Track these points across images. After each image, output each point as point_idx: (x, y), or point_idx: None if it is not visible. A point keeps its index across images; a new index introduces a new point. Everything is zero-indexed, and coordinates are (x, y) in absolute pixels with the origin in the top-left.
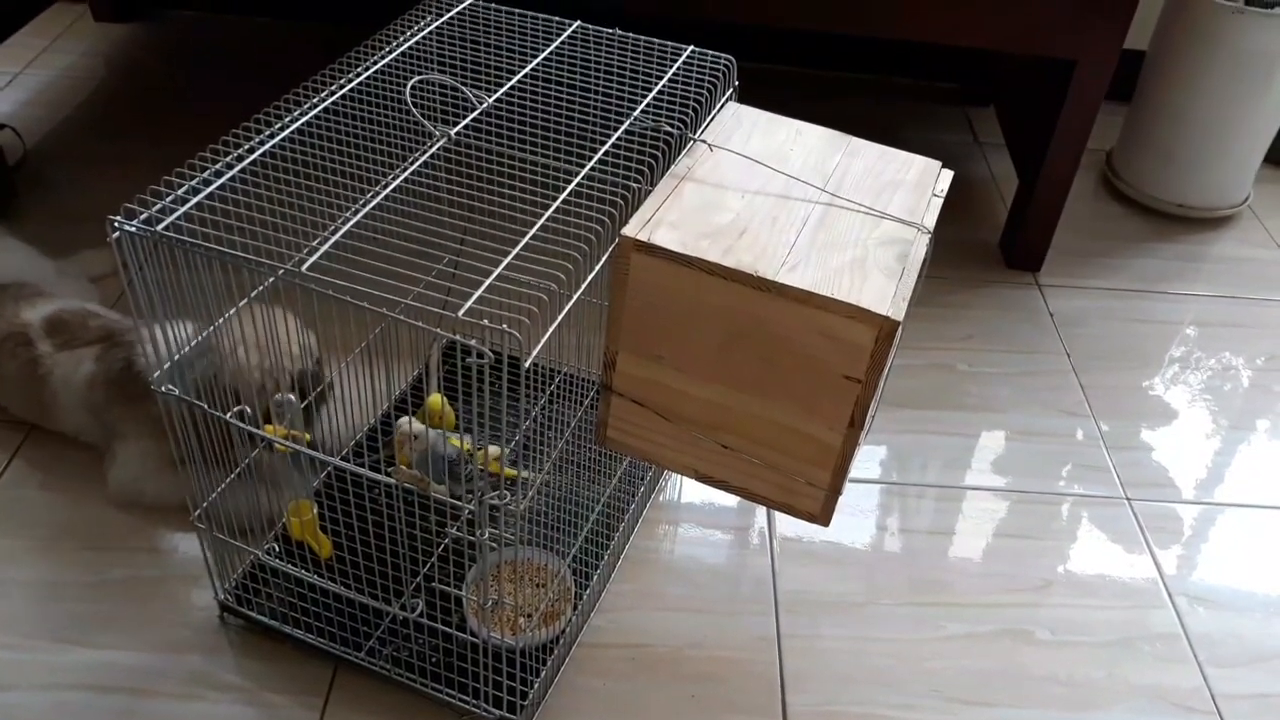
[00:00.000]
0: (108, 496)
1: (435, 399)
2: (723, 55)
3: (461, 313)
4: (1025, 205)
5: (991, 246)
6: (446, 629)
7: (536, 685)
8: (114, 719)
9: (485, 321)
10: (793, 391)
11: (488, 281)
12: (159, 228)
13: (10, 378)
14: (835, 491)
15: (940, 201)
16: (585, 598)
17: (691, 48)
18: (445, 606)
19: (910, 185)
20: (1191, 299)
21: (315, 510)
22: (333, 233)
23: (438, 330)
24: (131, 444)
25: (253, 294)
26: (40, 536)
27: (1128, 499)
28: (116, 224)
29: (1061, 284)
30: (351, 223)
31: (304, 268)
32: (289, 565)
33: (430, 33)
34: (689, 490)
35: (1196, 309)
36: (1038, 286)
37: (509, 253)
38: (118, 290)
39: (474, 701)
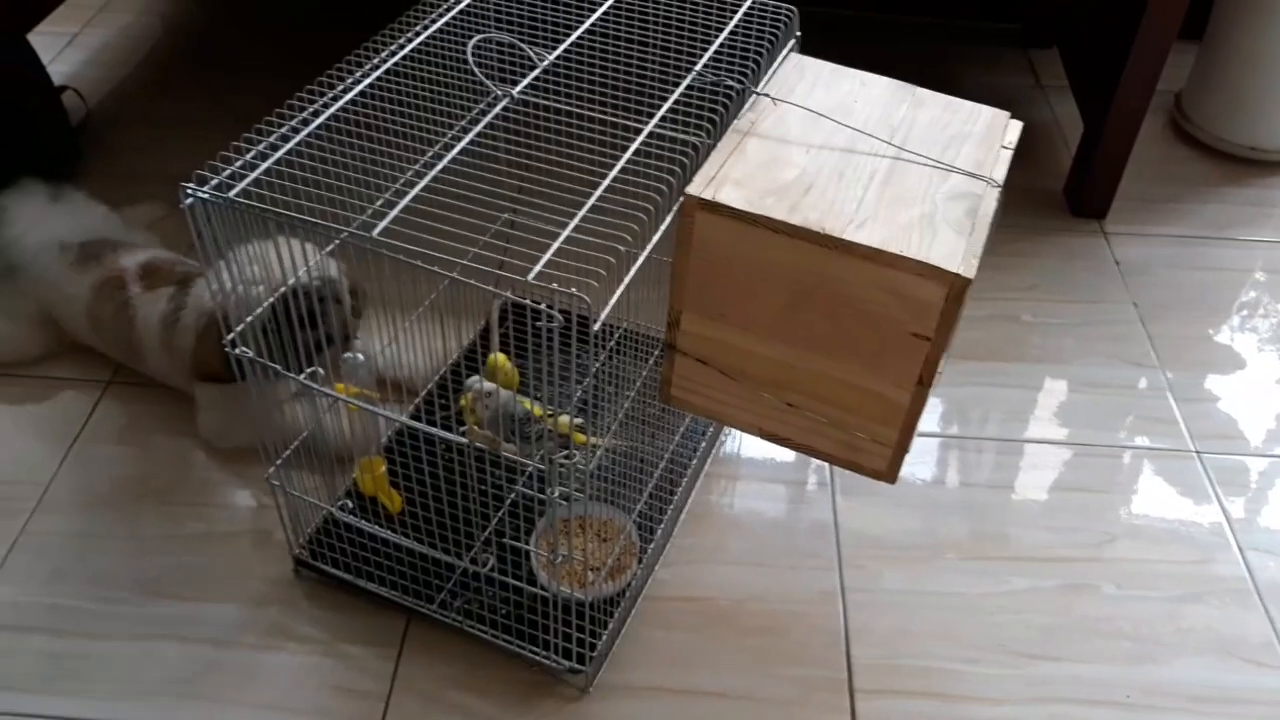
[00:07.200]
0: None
1: (499, 358)
2: (784, 5)
3: (532, 276)
4: (1091, 151)
5: (1055, 194)
6: (516, 582)
7: (604, 637)
8: (200, 668)
9: (555, 285)
10: (860, 349)
11: (555, 245)
12: (231, 194)
13: (107, 321)
14: (903, 449)
15: (1010, 154)
16: (649, 551)
17: None
18: (514, 560)
19: (978, 137)
20: (1262, 245)
21: (386, 466)
22: (398, 196)
23: (507, 295)
24: (213, 389)
25: (323, 253)
26: (121, 491)
27: (1196, 451)
28: (189, 191)
29: (1128, 231)
30: (419, 186)
31: (375, 232)
32: (361, 520)
33: None
34: (749, 445)
35: (1266, 255)
36: (1103, 234)
37: (571, 213)
38: (171, 234)
39: (544, 653)
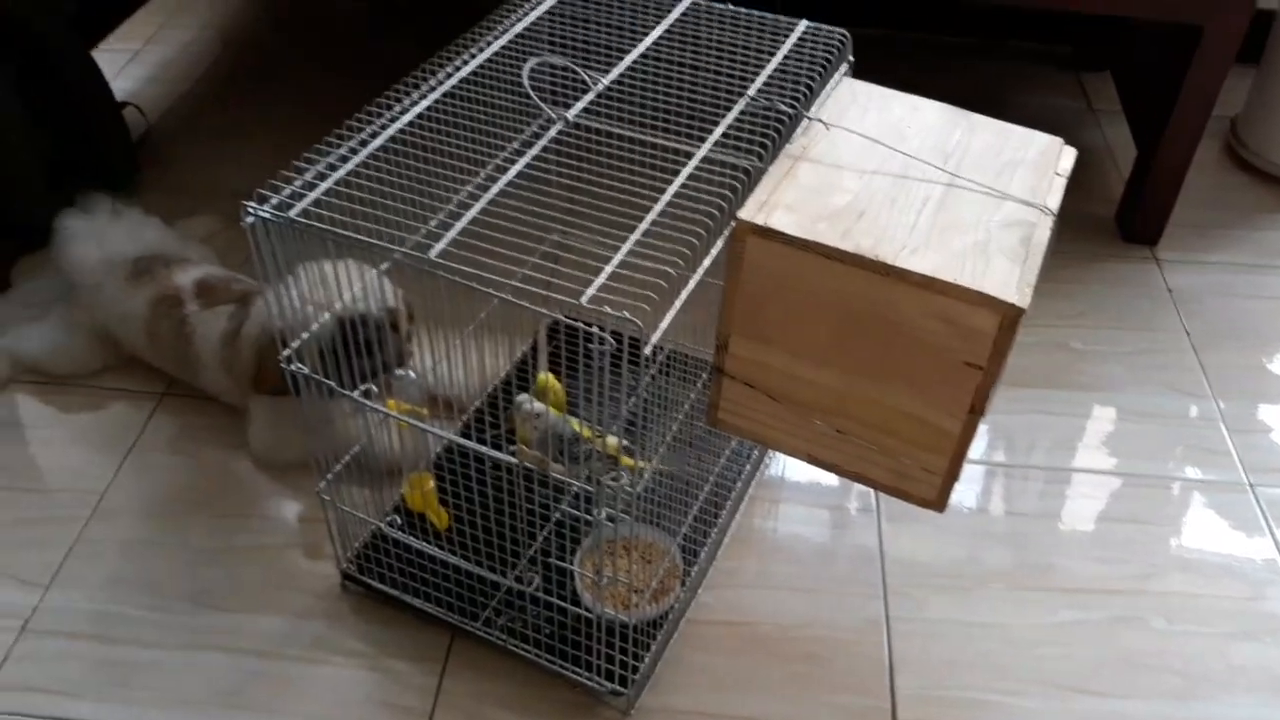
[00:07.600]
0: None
1: (548, 378)
2: (837, 30)
3: (585, 299)
4: (1144, 176)
5: (1106, 219)
6: (560, 602)
7: (646, 659)
8: (246, 679)
9: (607, 308)
10: (910, 377)
11: (609, 268)
12: (291, 214)
13: (164, 337)
14: (952, 478)
15: (1064, 181)
16: (693, 574)
17: (805, 23)
18: (559, 580)
19: (1031, 164)
20: None
21: (434, 482)
22: (452, 217)
23: (559, 316)
24: (265, 404)
25: (380, 276)
26: (173, 501)
27: (1249, 483)
28: (250, 210)
29: (1181, 258)
30: (475, 209)
31: (432, 253)
32: (409, 537)
33: (543, 14)
34: (793, 469)
35: None
36: (1155, 261)
37: (623, 235)
38: (226, 248)
39: (586, 673)
